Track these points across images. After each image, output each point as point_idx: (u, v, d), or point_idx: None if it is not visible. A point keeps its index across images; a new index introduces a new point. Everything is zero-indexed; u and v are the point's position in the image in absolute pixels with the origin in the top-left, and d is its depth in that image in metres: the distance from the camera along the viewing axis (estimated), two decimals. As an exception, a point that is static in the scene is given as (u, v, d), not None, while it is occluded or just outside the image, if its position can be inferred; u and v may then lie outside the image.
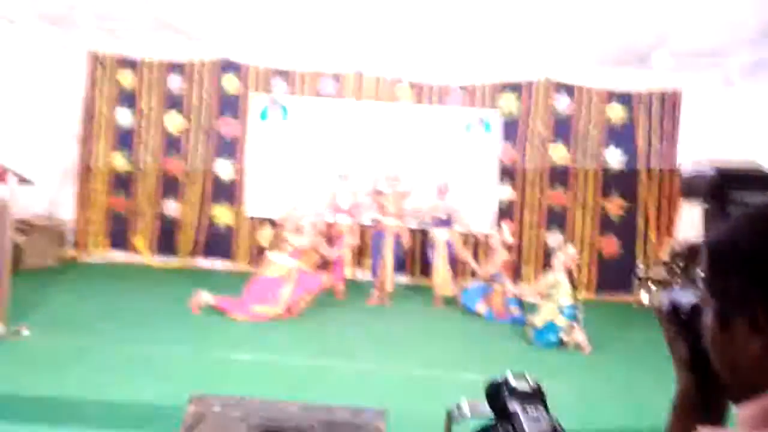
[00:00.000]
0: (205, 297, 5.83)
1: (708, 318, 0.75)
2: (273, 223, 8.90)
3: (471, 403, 0.89)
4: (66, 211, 9.13)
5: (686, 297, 0.85)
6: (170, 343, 4.82)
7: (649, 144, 9.08)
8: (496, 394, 0.88)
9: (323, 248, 6.85)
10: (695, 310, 0.83)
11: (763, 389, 0.68)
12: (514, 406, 0.85)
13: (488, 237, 7.25)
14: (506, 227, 7.06)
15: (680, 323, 0.85)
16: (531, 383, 0.88)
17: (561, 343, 5.51)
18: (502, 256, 6.88)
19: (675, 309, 0.87)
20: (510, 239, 7.00)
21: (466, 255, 7.60)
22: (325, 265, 7.24)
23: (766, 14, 6.37)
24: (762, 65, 7.36)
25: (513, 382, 0.87)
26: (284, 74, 9.23)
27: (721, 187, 0.94)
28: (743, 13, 6.40)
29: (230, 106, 9.25)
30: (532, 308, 6.05)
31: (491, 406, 0.88)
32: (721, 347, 0.73)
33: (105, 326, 5.22)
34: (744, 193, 0.91)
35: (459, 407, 0.91)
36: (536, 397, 0.87)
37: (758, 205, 0.73)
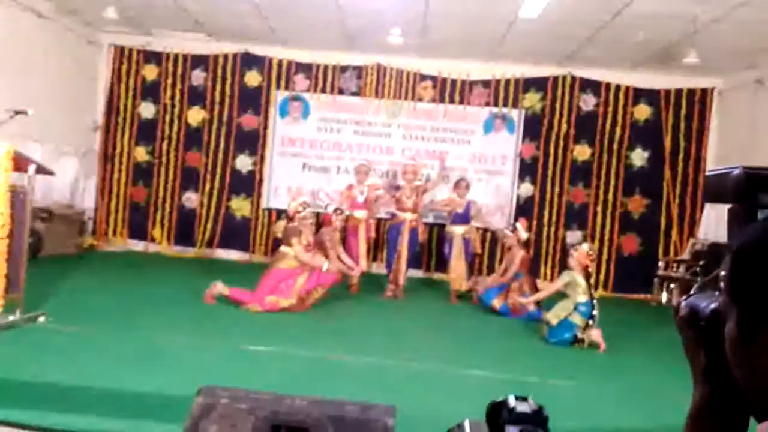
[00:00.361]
0: (220, 287, 5.86)
1: (730, 326, 0.69)
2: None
3: (473, 424, 0.86)
4: (87, 200, 9.26)
5: (706, 303, 0.80)
6: (183, 332, 4.85)
7: (675, 143, 8.91)
8: (496, 416, 0.85)
9: (343, 259, 6.84)
10: (715, 316, 0.77)
11: None
12: (512, 430, 0.82)
13: (504, 236, 7.15)
14: (521, 225, 6.98)
15: (699, 330, 0.80)
16: (532, 406, 0.85)
17: (576, 341, 5.43)
18: (519, 254, 6.81)
19: (694, 315, 0.81)
20: (525, 236, 6.92)
21: (481, 280, 7.46)
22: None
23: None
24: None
25: (513, 405, 0.84)
26: (306, 67, 9.21)
27: (749, 189, 0.88)
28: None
29: (251, 100, 9.28)
30: (547, 305, 5.98)
31: (490, 429, 0.85)
32: (742, 358, 0.67)
33: (120, 314, 5.27)
34: None
35: (460, 427, 0.88)
36: (537, 421, 0.83)
37: None
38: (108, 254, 8.80)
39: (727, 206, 0.98)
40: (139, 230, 9.33)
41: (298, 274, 5.87)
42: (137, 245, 9.32)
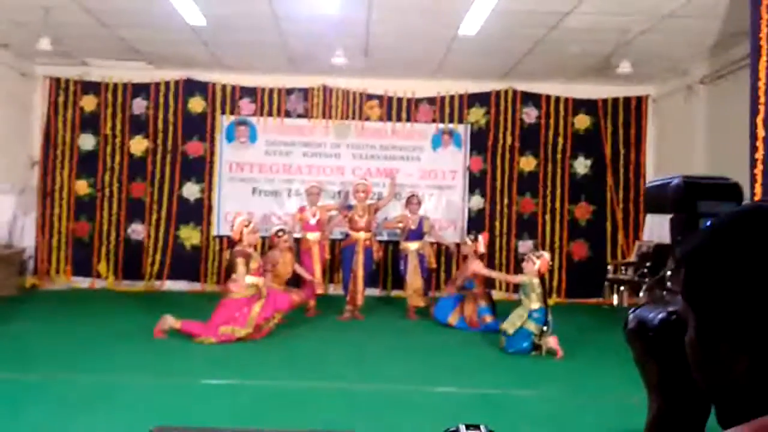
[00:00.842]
0: (170, 321, 5.67)
1: (689, 333, 0.68)
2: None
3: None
4: (27, 239, 8.86)
5: (654, 313, 0.80)
6: (134, 371, 4.66)
7: (615, 150, 9.22)
8: None
9: (301, 274, 6.77)
10: (664, 326, 0.77)
11: (753, 413, 0.60)
12: None
13: (461, 245, 7.22)
14: (482, 239, 7.06)
15: (648, 341, 0.79)
16: None
17: (534, 349, 5.50)
18: (474, 263, 6.87)
19: (642, 326, 0.80)
20: (483, 250, 7.00)
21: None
22: (295, 281, 7.15)
23: (723, 27, 6.52)
24: (721, 75, 7.53)
25: None
26: (251, 91, 9.14)
27: (688, 198, 0.91)
28: (702, 25, 6.54)
29: (196, 127, 9.12)
30: (504, 316, 6.06)
31: None
32: (703, 366, 0.67)
33: (65, 357, 5.03)
34: (712, 203, 0.89)
35: None
36: None
37: (730, 213, 0.69)
38: (51, 293, 8.42)
39: (670, 216, 1.01)
40: (83, 266, 8.98)
41: (254, 302, 5.73)
42: (82, 282, 8.96)
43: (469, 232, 8.12)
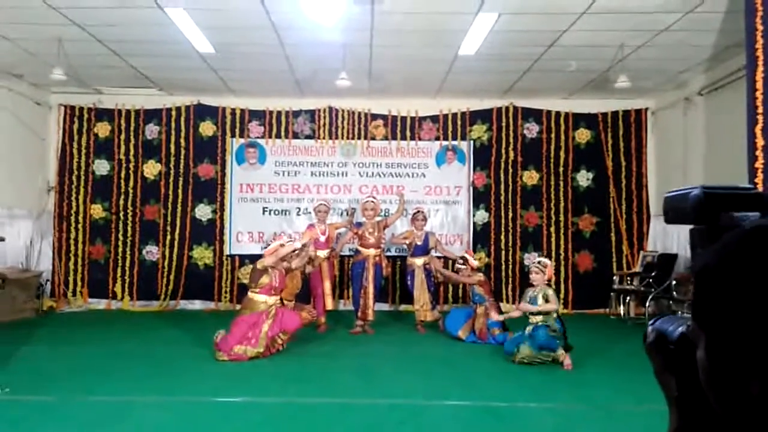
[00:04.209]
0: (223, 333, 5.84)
1: (700, 353, 0.66)
2: (253, 260, 8.96)
3: None
4: (44, 262, 9.08)
5: (674, 326, 0.77)
6: (149, 390, 4.72)
7: (617, 162, 9.36)
8: None
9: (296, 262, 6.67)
10: (683, 340, 0.74)
11: None
12: None
13: (459, 270, 7.30)
14: (468, 255, 7.21)
15: (668, 355, 0.77)
16: None
17: (554, 349, 5.59)
18: (476, 279, 6.99)
19: (662, 339, 0.78)
20: (476, 263, 7.12)
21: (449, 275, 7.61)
22: (305, 296, 7.28)
23: (719, 39, 6.68)
24: (719, 86, 7.67)
25: None
26: (259, 114, 9.38)
27: (709, 209, 0.85)
28: (698, 38, 6.70)
29: (207, 150, 9.36)
30: (514, 328, 6.14)
31: None
32: (714, 386, 0.64)
33: (81, 378, 5.09)
34: (733, 214, 0.83)
35: None
36: None
37: (738, 232, 0.66)
38: (68, 315, 8.61)
39: (690, 228, 0.97)
40: (99, 288, 9.19)
41: (263, 321, 5.86)
42: (98, 304, 9.16)
43: (466, 251, 8.20)
